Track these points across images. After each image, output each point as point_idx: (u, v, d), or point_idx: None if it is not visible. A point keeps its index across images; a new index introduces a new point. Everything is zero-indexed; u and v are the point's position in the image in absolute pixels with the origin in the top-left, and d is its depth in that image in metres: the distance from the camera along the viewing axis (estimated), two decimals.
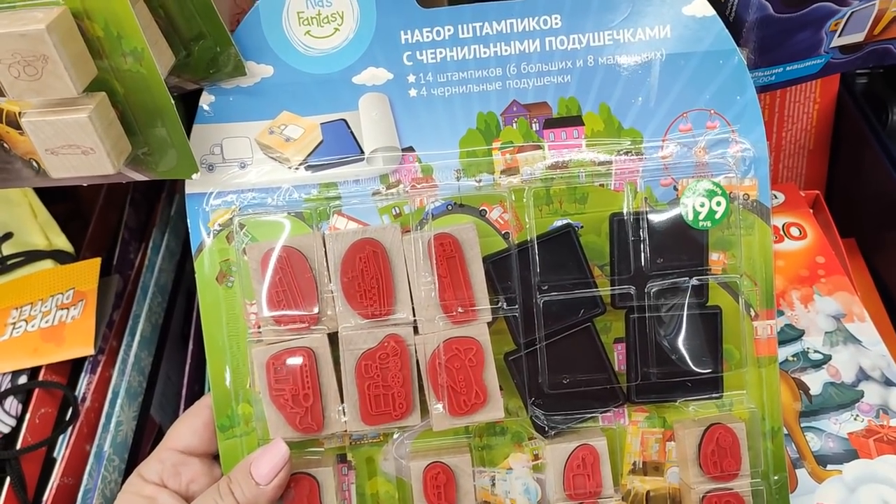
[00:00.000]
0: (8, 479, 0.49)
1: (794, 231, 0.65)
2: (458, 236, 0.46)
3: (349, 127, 0.48)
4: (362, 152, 0.48)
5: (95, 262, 0.53)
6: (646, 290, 0.48)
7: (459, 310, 0.46)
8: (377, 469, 0.50)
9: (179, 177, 0.45)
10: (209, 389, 0.49)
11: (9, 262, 0.54)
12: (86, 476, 0.51)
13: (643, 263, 0.48)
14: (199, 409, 0.49)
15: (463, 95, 0.48)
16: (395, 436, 0.49)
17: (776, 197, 0.68)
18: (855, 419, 0.56)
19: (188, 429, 0.49)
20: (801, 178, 0.78)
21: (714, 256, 0.49)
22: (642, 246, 0.48)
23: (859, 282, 0.67)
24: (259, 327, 0.47)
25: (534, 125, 0.49)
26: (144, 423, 0.55)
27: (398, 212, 0.49)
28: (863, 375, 0.58)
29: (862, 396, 0.57)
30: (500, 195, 0.48)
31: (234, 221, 0.48)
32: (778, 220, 0.66)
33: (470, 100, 0.48)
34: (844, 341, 0.60)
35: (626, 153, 0.49)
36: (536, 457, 0.50)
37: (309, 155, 0.48)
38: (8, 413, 0.50)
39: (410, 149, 0.49)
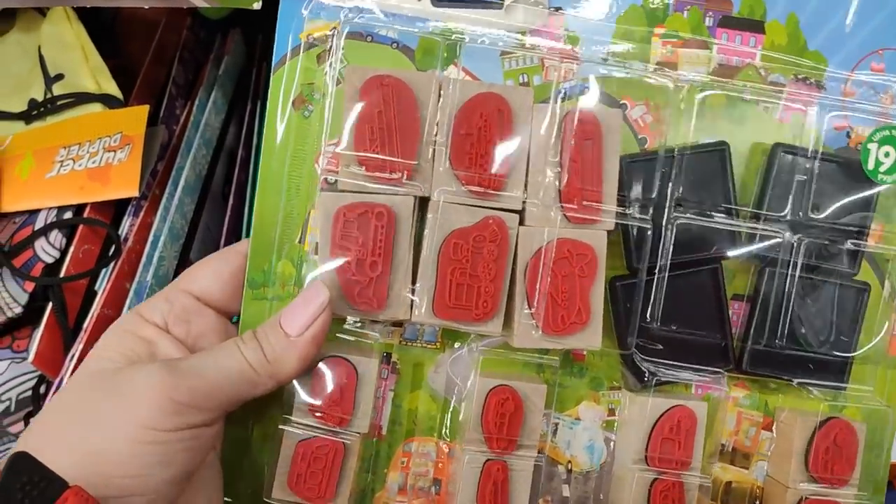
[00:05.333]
0: (50, 305, 0.47)
1: None
2: (602, 119, 0.38)
3: None
4: None
5: (143, 109, 0.49)
6: (796, 241, 0.40)
7: (584, 203, 0.38)
8: (424, 380, 0.41)
9: (241, 5, 0.40)
10: (249, 235, 0.40)
11: (59, 103, 0.51)
12: (125, 309, 0.48)
13: (800, 209, 0.40)
14: (230, 254, 0.39)
15: None
16: (457, 345, 0.41)
17: None
18: None
19: (212, 272, 0.39)
20: None
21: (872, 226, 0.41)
22: (805, 188, 0.40)
23: None
24: (337, 166, 0.38)
25: (707, 19, 0.41)
26: (183, 266, 0.49)
27: (526, 80, 0.40)
28: None
29: None
30: (649, 88, 0.40)
31: (333, 40, 0.39)
32: None
33: None
34: None
35: (804, 79, 0.41)
36: (612, 412, 0.42)
37: None
38: (52, 245, 0.48)
39: (559, 9, 0.40)
